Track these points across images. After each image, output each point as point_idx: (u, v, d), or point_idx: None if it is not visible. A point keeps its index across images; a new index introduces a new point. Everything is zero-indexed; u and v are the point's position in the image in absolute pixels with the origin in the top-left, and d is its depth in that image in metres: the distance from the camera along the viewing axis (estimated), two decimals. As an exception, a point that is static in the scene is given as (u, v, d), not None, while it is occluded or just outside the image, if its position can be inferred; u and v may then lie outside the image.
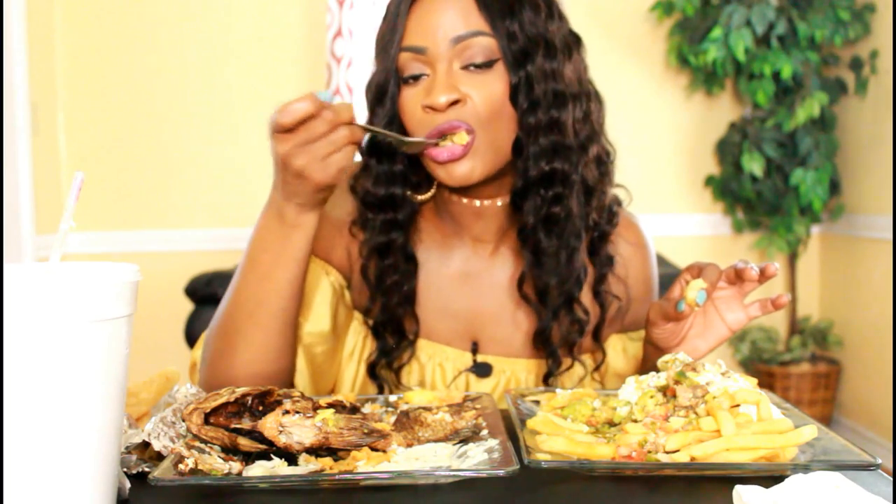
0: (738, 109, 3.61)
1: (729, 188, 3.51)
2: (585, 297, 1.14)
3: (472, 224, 1.15)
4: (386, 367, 1.14)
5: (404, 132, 1.07)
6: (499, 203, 1.12)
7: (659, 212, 3.62)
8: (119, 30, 3.46)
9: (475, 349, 1.17)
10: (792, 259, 3.58)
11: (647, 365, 1.10)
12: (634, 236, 1.19)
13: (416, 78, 1.05)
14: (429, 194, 1.13)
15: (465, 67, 1.03)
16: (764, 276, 0.98)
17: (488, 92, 1.03)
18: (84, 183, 0.70)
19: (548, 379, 1.13)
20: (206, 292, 2.63)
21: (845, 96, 3.48)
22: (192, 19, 3.47)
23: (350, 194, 1.15)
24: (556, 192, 1.07)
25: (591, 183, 1.10)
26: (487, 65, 1.03)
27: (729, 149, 3.49)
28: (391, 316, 1.13)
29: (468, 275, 1.17)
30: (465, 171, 1.03)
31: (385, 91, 1.06)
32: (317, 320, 1.12)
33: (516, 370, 1.16)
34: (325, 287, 1.14)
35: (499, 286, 1.16)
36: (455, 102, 1.02)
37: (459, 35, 1.02)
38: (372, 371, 1.15)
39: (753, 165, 3.36)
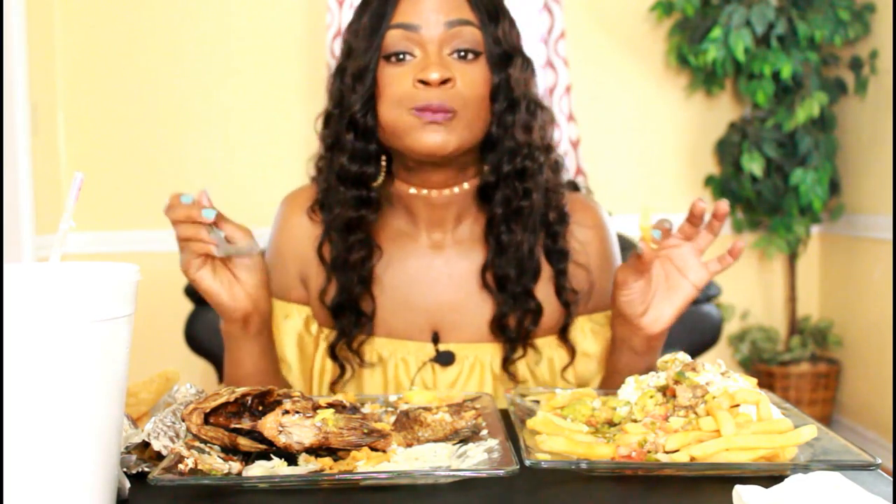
0: (738, 109, 3.61)
1: (729, 188, 3.51)
2: (548, 294, 1.18)
3: (428, 215, 1.18)
4: (345, 347, 1.17)
5: (375, 112, 1.10)
6: (455, 190, 1.16)
7: (658, 212, 3.62)
8: (119, 30, 3.46)
9: (436, 339, 1.18)
10: (792, 259, 3.58)
11: (616, 344, 1.12)
12: (591, 219, 1.22)
13: (401, 58, 1.09)
14: (380, 180, 1.15)
15: (452, 54, 1.09)
16: (716, 216, 1.02)
17: (473, 80, 1.09)
18: (84, 183, 0.70)
19: (505, 365, 1.17)
20: (206, 292, 2.63)
21: (845, 96, 3.48)
22: (191, 19, 3.47)
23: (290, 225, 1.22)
24: (527, 187, 1.13)
25: (550, 185, 1.17)
26: (474, 55, 1.09)
27: (729, 149, 3.49)
28: (349, 295, 1.16)
29: (424, 267, 1.19)
30: (441, 138, 1.07)
31: (367, 69, 1.10)
32: (286, 370, 1.19)
33: (479, 354, 1.18)
34: (289, 333, 1.20)
35: (456, 274, 1.18)
36: (446, 81, 1.06)
37: (452, 20, 1.08)
38: (332, 352, 1.18)
39: (753, 165, 3.36)
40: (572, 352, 1.19)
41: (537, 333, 1.18)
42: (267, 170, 3.45)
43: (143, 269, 0.68)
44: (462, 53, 1.09)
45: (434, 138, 1.06)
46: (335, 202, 1.15)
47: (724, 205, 1.01)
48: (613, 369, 1.14)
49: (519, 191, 1.13)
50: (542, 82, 3.44)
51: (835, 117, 3.45)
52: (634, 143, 3.62)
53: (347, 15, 3.32)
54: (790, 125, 3.33)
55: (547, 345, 1.19)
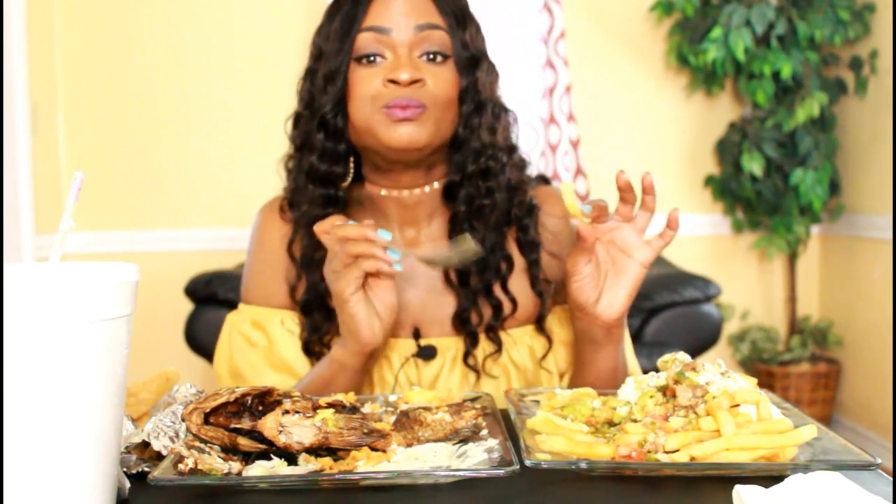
0: (738, 109, 3.61)
1: (729, 188, 3.51)
2: (524, 285, 1.20)
3: (399, 214, 1.20)
4: (318, 342, 1.18)
5: (346, 113, 1.13)
6: (426, 190, 1.19)
7: (658, 211, 3.61)
8: (119, 30, 3.46)
9: (417, 335, 1.19)
10: (792, 259, 3.58)
11: (577, 337, 1.13)
12: (561, 209, 1.25)
13: (372, 60, 1.11)
14: (348, 180, 1.17)
15: (422, 56, 1.12)
16: (645, 191, 1.05)
17: (443, 82, 1.12)
18: (84, 183, 0.70)
19: (466, 358, 1.18)
20: (206, 292, 2.63)
21: (845, 96, 3.48)
22: (192, 19, 3.47)
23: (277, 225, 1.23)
24: (489, 185, 1.17)
25: (513, 183, 1.20)
26: (443, 57, 1.13)
27: (729, 149, 3.49)
28: (317, 292, 1.17)
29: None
30: (412, 131, 1.10)
31: (339, 71, 1.12)
32: (295, 374, 1.19)
33: (460, 348, 1.19)
34: (287, 338, 1.20)
35: (431, 270, 1.20)
36: (416, 81, 1.09)
37: (421, 24, 1.12)
38: (307, 348, 1.19)
39: (753, 165, 3.36)
40: (549, 340, 1.21)
41: (512, 324, 1.20)
42: (267, 170, 3.44)
43: (143, 269, 0.68)
44: (431, 56, 1.12)
45: (405, 132, 1.09)
46: (303, 200, 1.17)
47: (649, 177, 1.04)
48: (578, 362, 1.15)
49: (482, 189, 1.17)
50: (542, 82, 3.45)
51: (835, 117, 3.45)
52: (634, 143, 3.62)
53: (347, 15, 3.32)
54: (790, 125, 3.33)
55: (526, 334, 1.21)
